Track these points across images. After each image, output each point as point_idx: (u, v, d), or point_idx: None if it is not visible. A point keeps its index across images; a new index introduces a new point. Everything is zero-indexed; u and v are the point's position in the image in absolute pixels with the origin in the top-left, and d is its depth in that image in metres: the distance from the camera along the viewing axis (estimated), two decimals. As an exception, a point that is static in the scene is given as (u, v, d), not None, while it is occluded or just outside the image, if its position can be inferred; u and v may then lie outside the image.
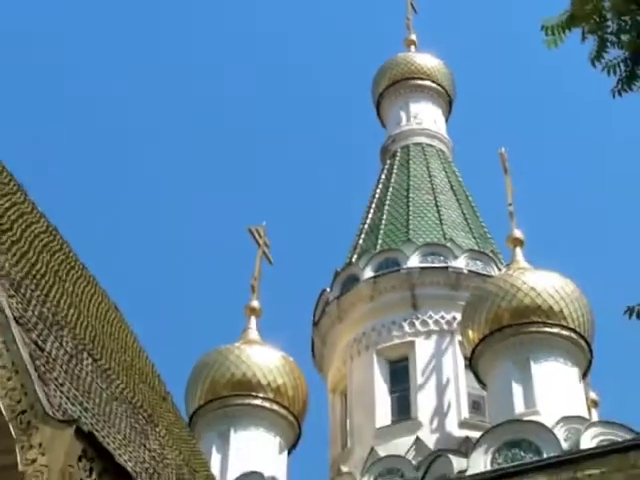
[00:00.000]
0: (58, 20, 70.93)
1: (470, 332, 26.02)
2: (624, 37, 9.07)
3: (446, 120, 36.82)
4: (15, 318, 10.02)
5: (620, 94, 9.11)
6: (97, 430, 9.54)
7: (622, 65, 9.08)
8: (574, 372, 25.39)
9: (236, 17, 73.80)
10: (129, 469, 9.61)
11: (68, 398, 10.00)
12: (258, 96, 71.61)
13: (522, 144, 59.70)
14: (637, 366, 45.50)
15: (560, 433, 22.72)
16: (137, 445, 11.50)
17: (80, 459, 8.93)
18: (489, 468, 22.15)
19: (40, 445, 8.92)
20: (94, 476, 9.07)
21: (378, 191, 33.94)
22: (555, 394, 24.37)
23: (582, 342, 25.55)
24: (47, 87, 70.31)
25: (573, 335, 25.35)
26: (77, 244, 16.27)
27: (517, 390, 24.58)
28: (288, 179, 71.86)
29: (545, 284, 25.72)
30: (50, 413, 9.08)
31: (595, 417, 26.00)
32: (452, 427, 27.53)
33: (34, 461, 8.86)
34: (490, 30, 68.77)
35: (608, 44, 9.13)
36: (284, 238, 56.82)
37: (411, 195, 32.80)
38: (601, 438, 22.16)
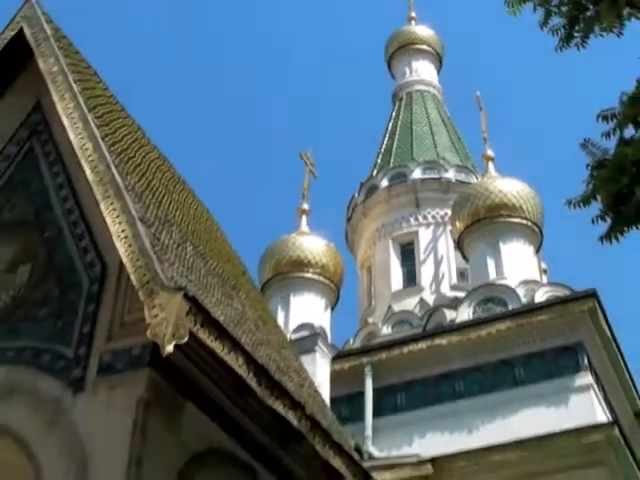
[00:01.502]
0: None
1: (457, 223, 26.04)
2: (563, 8, 9.05)
3: (438, 73, 36.44)
4: (139, 218, 10.11)
5: (562, 49, 9.09)
6: (198, 295, 9.54)
7: (562, 29, 9.06)
8: (530, 249, 25.43)
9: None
10: (220, 321, 9.67)
11: (177, 273, 10.02)
12: (312, 56, 71.05)
13: (494, 89, 59.25)
14: (575, 242, 45.89)
15: (521, 292, 22.87)
16: (225, 305, 11.54)
17: (187, 314, 8.96)
18: (471, 317, 22.40)
19: (160, 305, 8.97)
20: (197, 326, 9.12)
21: (390, 125, 33.75)
22: (517, 265, 24.43)
23: (535, 228, 25.52)
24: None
25: (529, 224, 25.31)
26: (179, 164, 16.36)
27: (490, 263, 24.63)
28: (328, 117, 71.72)
29: (509, 188, 25.63)
30: (165, 283, 9.15)
31: (545, 280, 26.04)
32: (445, 290, 27.68)
33: (156, 316, 8.92)
34: (471, 4, 67.56)
35: (552, 14, 9.12)
36: (325, 160, 57.00)
37: (414, 127, 32.60)
38: (549, 295, 22.30)
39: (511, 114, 65.19)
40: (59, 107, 11.73)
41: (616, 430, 18.08)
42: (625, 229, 8.34)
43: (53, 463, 9.36)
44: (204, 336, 9.23)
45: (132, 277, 9.43)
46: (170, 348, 8.67)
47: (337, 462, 11.40)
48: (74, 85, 11.95)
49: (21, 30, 13.20)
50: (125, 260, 9.62)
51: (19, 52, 13.26)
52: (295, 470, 12.25)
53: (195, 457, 10.03)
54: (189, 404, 10.16)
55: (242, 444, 11.07)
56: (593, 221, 8.47)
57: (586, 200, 8.45)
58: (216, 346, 9.38)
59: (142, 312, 9.10)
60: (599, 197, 8.38)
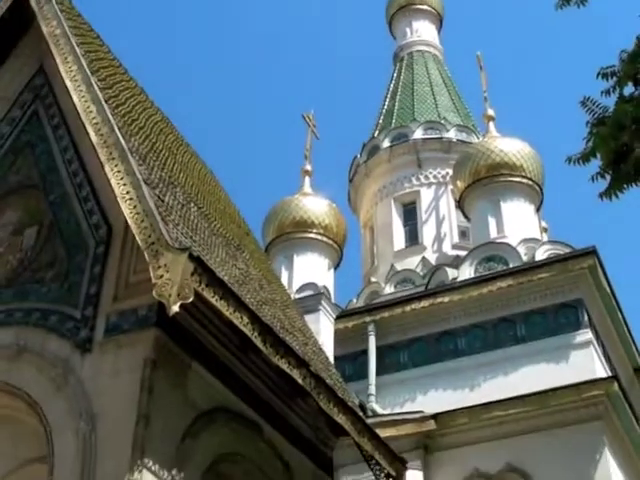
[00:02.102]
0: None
1: (459, 182, 25.88)
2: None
3: (438, 33, 36.11)
4: (143, 180, 10.12)
5: (562, 8, 8.94)
6: (203, 255, 9.58)
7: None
8: (531, 208, 25.28)
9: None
10: (225, 280, 9.70)
11: (182, 234, 10.06)
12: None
13: (494, 48, 58.87)
14: (575, 200, 45.93)
15: (521, 250, 22.79)
16: (230, 265, 11.57)
17: (192, 274, 8.99)
18: (473, 275, 22.42)
19: (165, 265, 8.99)
20: (202, 286, 9.15)
21: (391, 85, 33.48)
22: (517, 223, 24.32)
23: (536, 187, 25.33)
24: None
25: (530, 182, 25.08)
26: (182, 126, 16.30)
27: (491, 222, 24.50)
28: (330, 78, 71.35)
29: (510, 147, 25.42)
30: (170, 244, 9.17)
31: (545, 238, 25.99)
32: (447, 249, 27.58)
33: (162, 276, 8.93)
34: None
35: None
36: (327, 121, 56.80)
37: (415, 87, 32.33)
38: (549, 252, 22.21)
39: (511, 73, 64.81)
40: (62, 70, 11.70)
41: (615, 385, 18.18)
42: (624, 186, 8.32)
43: (62, 421, 9.46)
44: (209, 296, 9.28)
45: (137, 238, 9.47)
46: (176, 308, 8.74)
47: (342, 419, 11.51)
48: (77, 48, 11.91)
49: (23, -7, 13.13)
50: (130, 221, 9.65)
51: (21, 15, 13.19)
52: (300, 427, 12.39)
53: (202, 415, 10.14)
54: (195, 363, 10.26)
55: (248, 402, 11.19)
56: (593, 178, 8.45)
57: (586, 157, 8.43)
58: (221, 305, 9.44)
59: (148, 273, 9.14)
60: (599, 154, 8.35)
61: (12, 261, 11.33)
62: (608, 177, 8.36)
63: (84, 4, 14.55)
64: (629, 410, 18.64)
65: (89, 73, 11.54)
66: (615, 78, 8.40)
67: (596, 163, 8.45)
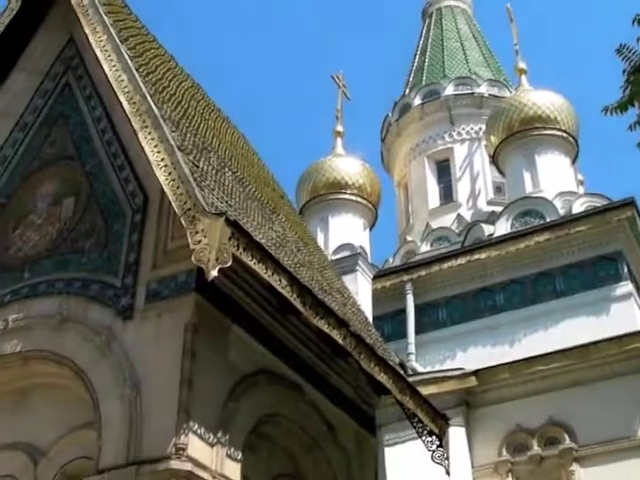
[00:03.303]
0: None
1: (492, 138, 25.70)
2: None
3: (468, -14, 35.75)
4: (177, 146, 10.14)
5: None
6: (239, 219, 9.60)
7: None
8: (566, 161, 25.08)
9: None
10: (262, 243, 9.73)
11: (217, 199, 10.08)
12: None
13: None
14: (612, 152, 45.26)
15: (558, 203, 22.67)
16: (266, 228, 11.61)
17: (230, 239, 9.02)
18: (509, 231, 22.34)
19: (202, 231, 9.02)
20: (240, 250, 9.19)
21: (421, 42, 33.22)
22: (553, 177, 24.12)
23: (571, 139, 25.08)
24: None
25: (564, 135, 24.85)
26: (213, 92, 16.28)
27: (526, 176, 24.33)
28: (359, 38, 70.92)
29: (543, 100, 25.17)
30: (207, 209, 9.20)
31: (582, 191, 25.80)
32: (482, 205, 27.47)
33: (199, 242, 8.97)
34: None
35: None
36: (357, 81, 56.55)
37: (445, 43, 32.07)
38: (586, 205, 22.09)
39: (543, 24, 63.88)
40: (92, 40, 11.74)
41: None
42: (664, 134, 8.24)
43: (108, 387, 9.62)
44: (247, 259, 9.32)
45: (173, 205, 9.51)
46: (214, 273, 8.78)
47: (383, 378, 11.56)
48: (105, 17, 11.93)
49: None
50: (166, 188, 9.69)
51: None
52: (342, 387, 12.48)
53: (244, 378, 10.26)
54: (236, 327, 10.36)
55: (289, 364, 11.29)
56: (631, 127, 8.38)
57: (623, 106, 8.34)
58: (259, 268, 9.48)
59: (185, 239, 9.20)
60: (636, 103, 8.27)
61: (52, 232, 11.47)
62: (647, 126, 8.28)
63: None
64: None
65: (118, 42, 11.57)
66: (652, 24, 8.29)
67: (634, 112, 8.37)
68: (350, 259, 19.70)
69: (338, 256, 22.46)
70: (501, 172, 25.98)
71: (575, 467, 17.47)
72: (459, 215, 26.74)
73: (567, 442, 17.66)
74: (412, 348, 20.74)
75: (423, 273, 21.64)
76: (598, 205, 21.48)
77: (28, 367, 10.55)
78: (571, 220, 20.75)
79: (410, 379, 12.95)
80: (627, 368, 17.86)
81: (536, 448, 17.91)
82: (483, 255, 21.19)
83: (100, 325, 10.16)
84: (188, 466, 8.86)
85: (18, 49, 13.31)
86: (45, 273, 11.07)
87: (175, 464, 8.81)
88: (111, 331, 10.04)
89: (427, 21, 34.05)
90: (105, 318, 10.23)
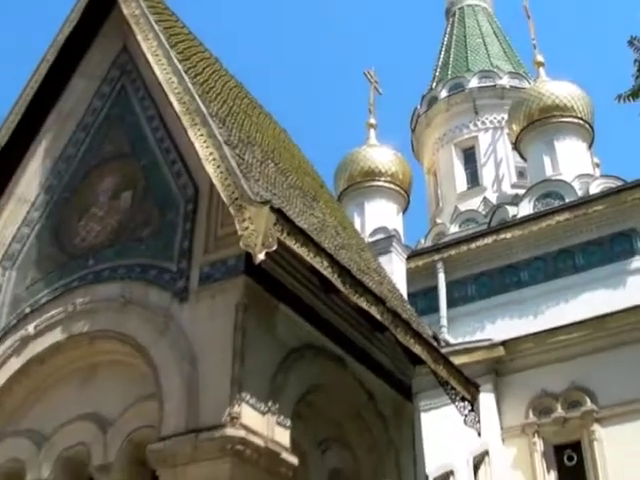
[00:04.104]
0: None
1: (514, 126, 25.60)
2: None
3: (489, -13, 35.41)
4: (224, 141, 10.15)
5: None
6: (283, 207, 9.61)
7: None
8: (583, 146, 24.92)
9: None
10: (304, 228, 9.75)
11: (262, 188, 10.10)
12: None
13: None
14: (625, 136, 44.70)
15: (576, 185, 22.59)
16: (308, 214, 11.65)
17: (274, 225, 9.04)
18: (532, 212, 22.22)
19: (249, 218, 9.04)
20: (284, 235, 9.22)
21: (446, 39, 33.05)
22: (571, 161, 24.00)
23: (587, 126, 24.92)
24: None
25: (580, 122, 24.71)
26: (255, 89, 16.24)
27: (547, 161, 24.24)
28: (390, 36, 70.67)
29: (560, 90, 25.02)
30: (253, 198, 9.22)
31: (598, 173, 25.59)
32: (506, 188, 27.37)
33: (247, 228, 9.00)
34: None
35: None
36: (388, 76, 56.33)
37: (468, 40, 31.88)
38: (602, 187, 21.97)
39: (558, 19, 63.24)
40: (144, 46, 11.76)
41: (671, 305, 17.88)
42: (674, 119, 8.13)
43: (167, 362, 9.68)
44: (291, 243, 9.33)
45: (222, 195, 9.53)
46: (261, 256, 8.79)
47: (418, 349, 11.55)
48: (155, 25, 11.95)
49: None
50: (215, 180, 9.70)
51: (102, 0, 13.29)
52: (381, 359, 12.47)
53: (291, 352, 10.27)
54: (282, 305, 10.37)
55: (332, 338, 11.29)
56: (643, 113, 8.28)
57: (635, 94, 8.26)
58: (302, 252, 9.49)
59: (234, 226, 9.21)
60: (648, 91, 8.16)
61: (112, 223, 11.54)
62: (657, 111, 8.17)
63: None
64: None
65: (168, 48, 11.59)
66: (661, 16, 8.16)
67: (645, 99, 8.26)
68: (385, 241, 19.67)
69: (374, 239, 22.47)
70: (523, 157, 25.86)
71: (596, 427, 17.36)
72: (485, 198, 26.69)
73: (588, 404, 17.54)
74: (444, 321, 20.70)
75: (453, 252, 21.57)
76: (613, 186, 21.35)
77: (94, 346, 10.63)
78: (589, 200, 20.58)
79: (443, 350, 12.93)
80: (643, 336, 17.69)
81: (560, 411, 17.81)
82: (508, 235, 21.07)
83: (159, 307, 10.21)
84: (242, 433, 8.89)
85: (78, 57, 13.39)
86: (108, 260, 11.15)
87: (230, 431, 8.85)
88: (169, 312, 10.09)
89: (450, 20, 33.84)
90: (163, 300, 10.27)
